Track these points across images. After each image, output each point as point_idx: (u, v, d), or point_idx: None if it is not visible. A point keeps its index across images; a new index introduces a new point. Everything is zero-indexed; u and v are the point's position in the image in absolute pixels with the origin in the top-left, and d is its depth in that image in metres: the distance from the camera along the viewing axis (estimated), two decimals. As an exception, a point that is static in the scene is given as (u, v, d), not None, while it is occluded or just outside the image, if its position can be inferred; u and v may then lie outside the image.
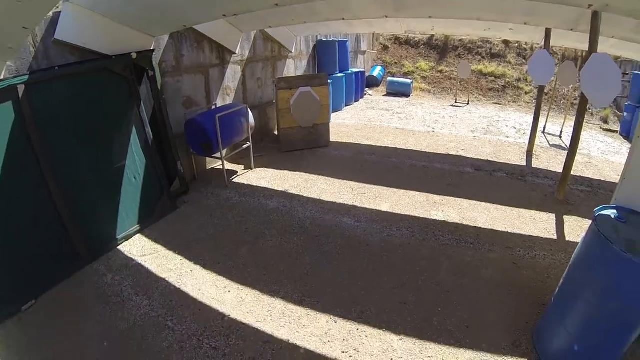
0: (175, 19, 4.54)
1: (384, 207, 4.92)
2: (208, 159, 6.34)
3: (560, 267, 3.60)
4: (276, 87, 7.05)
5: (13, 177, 3.25)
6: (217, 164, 6.35)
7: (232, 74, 6.96)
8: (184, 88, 5.74)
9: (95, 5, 3.74)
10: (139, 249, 4.11)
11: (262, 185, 5.65)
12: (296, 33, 8.70)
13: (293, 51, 9.00)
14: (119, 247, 4.12)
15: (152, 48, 4.72)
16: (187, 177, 5.59)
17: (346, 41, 11.09)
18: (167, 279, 3.56)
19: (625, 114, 10.14)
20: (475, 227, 4.47)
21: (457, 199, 5.18)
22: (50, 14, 3.62)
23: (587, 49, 4.74)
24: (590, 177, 6.38)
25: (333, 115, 9.74)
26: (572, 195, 5.47)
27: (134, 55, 4.33)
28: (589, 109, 10.89)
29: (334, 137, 7.88)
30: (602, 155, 7.88)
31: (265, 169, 6.31)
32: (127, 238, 4.26)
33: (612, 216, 2.33)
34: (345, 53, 10.99)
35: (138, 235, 4.36)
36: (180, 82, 5.63)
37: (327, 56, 10.36)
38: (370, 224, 4.48)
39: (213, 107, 6.32)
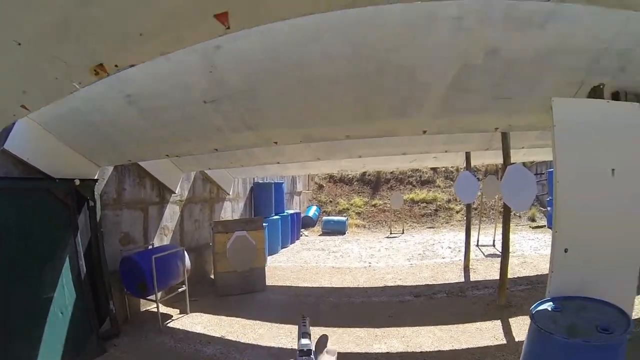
0: (122, 153, 4.68)
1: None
2: (142, 300, 5.80)
3: (516, 370, 3.51)
4: (213, 230, 7.09)
5: None
6: (152, 306, 5.82)
7: (171, 214, 6.94)
8: (122, 223, 5.56)
9: (47, 123, 3.80)
10: (60, 393, 3.45)
11: (198, 331, 5.25)
12: (234, 175, 9.19)
13: (230, 193, 9.33)
14: (36, 389, 3.45)
15: (95, 177, 4.71)
16: (119, 318, 4.98)
17: (282, 183, 11.81)
18: None
19: (548, 208, 11.38)
20: (422, 352, 4.33)
21: (399, 328, 5.06)
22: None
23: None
24: (527, 274, 6.69)
25: (269, 258, 9.64)
26: (514, 297, 5.64)
27: (77, 182, 4.27)
28: (516, 213, 11.98)
29: (270, 281, 7.68)
30: (535, 251, 8.41)
31: (201, 313, 5.92)
32: (46, 380, 3.60)
33: (549, 308, 2.38)
34: (281, 195, 11.54)
35: (59, 378, 3.72)
36: (119, 216, 5.48)
37: (263, 198, 10.78)
38: (312, 366, 4.22)
39: (150, 246, 6.11)
